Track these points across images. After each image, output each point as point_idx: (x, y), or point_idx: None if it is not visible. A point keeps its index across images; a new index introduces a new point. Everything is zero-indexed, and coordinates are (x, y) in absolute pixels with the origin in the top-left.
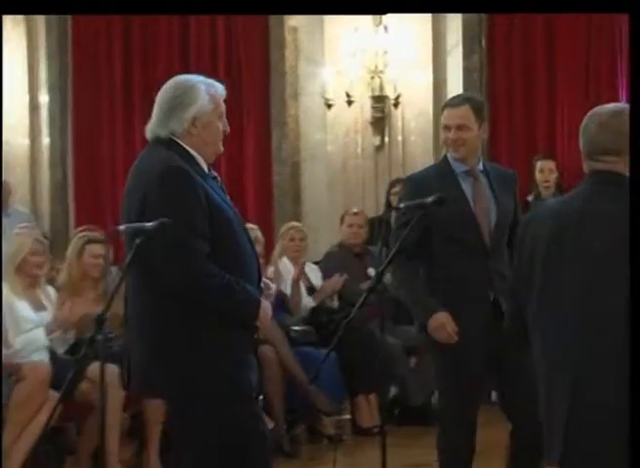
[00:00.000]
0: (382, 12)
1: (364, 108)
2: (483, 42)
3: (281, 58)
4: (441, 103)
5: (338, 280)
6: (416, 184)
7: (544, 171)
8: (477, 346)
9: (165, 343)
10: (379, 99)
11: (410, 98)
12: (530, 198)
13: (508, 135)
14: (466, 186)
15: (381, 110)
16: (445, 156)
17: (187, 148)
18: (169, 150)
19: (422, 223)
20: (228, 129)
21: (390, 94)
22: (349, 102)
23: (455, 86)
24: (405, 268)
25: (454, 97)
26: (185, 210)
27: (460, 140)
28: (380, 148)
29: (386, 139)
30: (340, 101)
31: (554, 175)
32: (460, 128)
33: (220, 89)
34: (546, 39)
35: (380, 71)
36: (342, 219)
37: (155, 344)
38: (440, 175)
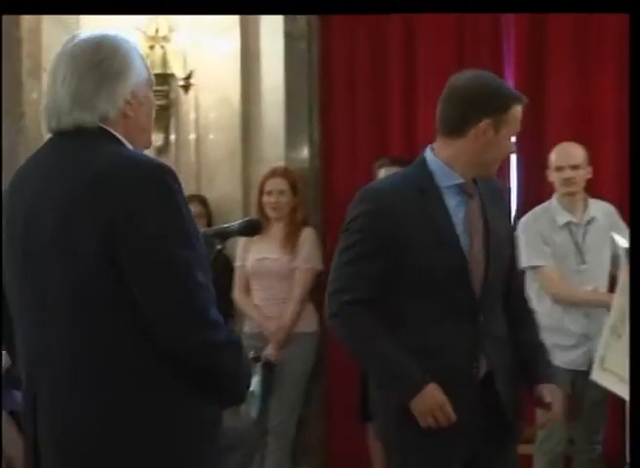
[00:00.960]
0: (385, 11)
1: None
2: None
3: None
4: (253, 85)
5: None
6: (382, 201)
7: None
8: (459, 444)
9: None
10: (161, 79)
11: (207, 78)
12: None
13: (348, 126)
14: (457, 209)
15: (165, 95)
16: (424, 159)
17: (121, 139)
18: (108, 143)
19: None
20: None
21: (178, 71)
22: None
23: (272, 59)
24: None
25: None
26: (189, 225)
27: None
28: (162, 150)
29: (172, 137)
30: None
31: None
32: None
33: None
34: None
35: (164, 38)
36: None
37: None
38: (416, 189)
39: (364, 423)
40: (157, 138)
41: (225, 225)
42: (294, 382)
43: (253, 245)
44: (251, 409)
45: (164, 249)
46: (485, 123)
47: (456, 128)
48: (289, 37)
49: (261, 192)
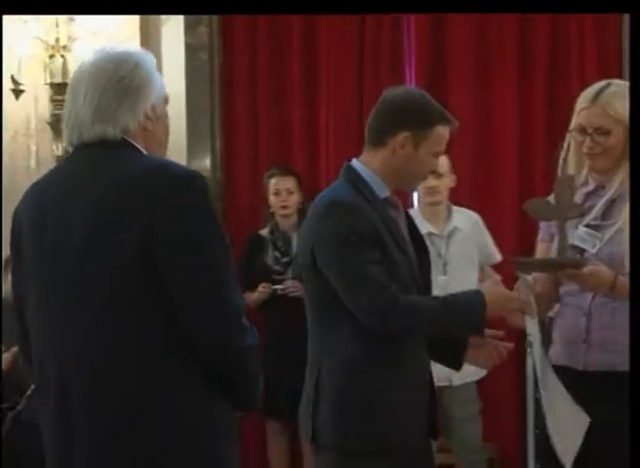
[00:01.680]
0: (386, 11)
1: (40, 101)
2: None
3: None
4: None
5: None
6: (353, 211)
7: (280, 192)
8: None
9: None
10: (61, 89)
11: None
12: (264, 232)
13: (250, 137)
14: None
15: None
16: (354, 170)
17: (142, 151)
18: (133, 152)
19: None
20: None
21: None
22: (17, 92)
23: (173, 70)
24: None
25: None
26: (222, 230)
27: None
28: (62, 160)
29: None
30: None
31: (295, 198)
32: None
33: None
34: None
35: (64, 47)
36: None
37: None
38: (365, 200)
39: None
40: (56, 148)
41: None
42: None
43: None
44: None
45: (202, 253)
46: (403, 136)
47: (377, 137)
48: (190, 48)
49: None
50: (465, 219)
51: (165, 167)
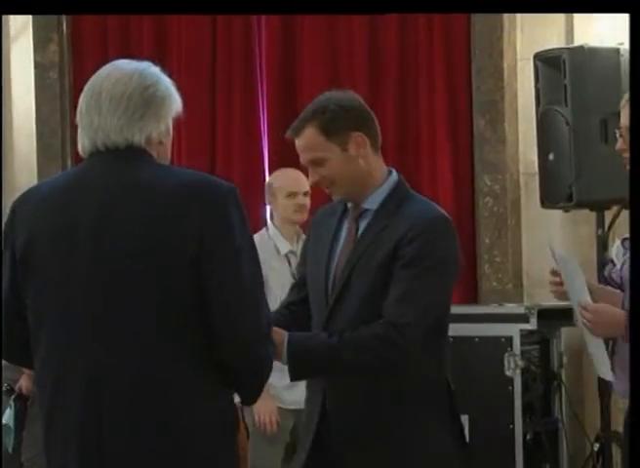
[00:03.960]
0: (385, 10)
1: None
2: (65, 25)
3: None
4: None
5: None
6: (313, 224)
7: None
8: None
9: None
10: None
11: None
12: None
13: None
14: (343, 234)
15: None
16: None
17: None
18: (160, 163)
19: None
20: None
21: None
22: None
23: (23, 88)
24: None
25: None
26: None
27: (324, 181)
28: None
29: None
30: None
31: None
32: (315, 162)
33: None
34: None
35: None
36: None
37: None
38: (331, 212)
39: None
40: None
41: None
42: None
43: None
44: (7, 444)
45: (242, 264)
46: None
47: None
48: (39, 67)
49: None
50: None
51: (208, 180)
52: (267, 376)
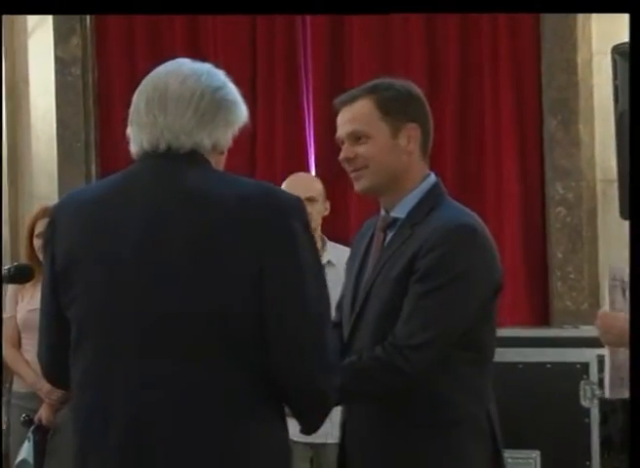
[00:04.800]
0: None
1: None
2: (88, 18)
3: None
4: (17, 119)
5: None
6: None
7: None
8: None
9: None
10: None
11: None
12: None
13: (131, 161)
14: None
15: None
16: None
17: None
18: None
19: None
20: None
21: None
22: None
23: (41, 87)
24: None
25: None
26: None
27: (357, 161)
28: None
29: None
30: None
31: None
32: (357, 137)
33: None
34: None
35: None
36: None
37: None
38: (370, 225)
39: None
40: None
41: None
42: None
43: (24, 293)
44: None
45: (304, 288)
46: None
47: None
48: (60, 62)
49: (31, 234)
50: (342, 256)
51: (273, 192)
52: (330, 408)
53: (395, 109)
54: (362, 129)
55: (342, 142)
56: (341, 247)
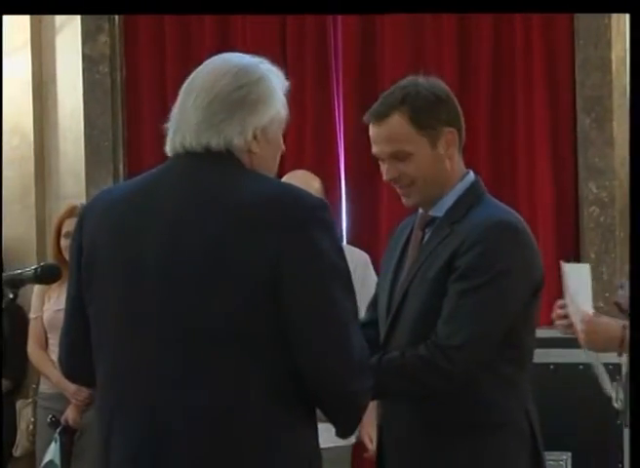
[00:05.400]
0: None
1: None
2: (117, 16)
3: None
4: (48, 112)
5: None
6: (391, 238)
7: None
8: None
9: None
10: None
11: None
12: None
13: (160, 160)
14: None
15: None
16: None
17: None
18: (245, 170)
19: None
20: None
21: None
22: None
23: (69, 85)
24: None
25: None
26: (347, 267)
27: (403, 179)
28: None
29: None
30: None
31: None
32: (398, 156)
33: (286, 84)
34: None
35: None
36: None
37: None
38: (407, 224)
39: None
40: None
41: (19, 271)
42: None
43: (50, 294)
44: None
45: (328, 292)
46: None
47: None
48: (88, 60)
49: (59, 234)
50: (351, 258)
51: (293, 192)
52: (363, 410)
53: (429, 119)
54: (402, 149)
55: (382, 159)
56: (355, 249)
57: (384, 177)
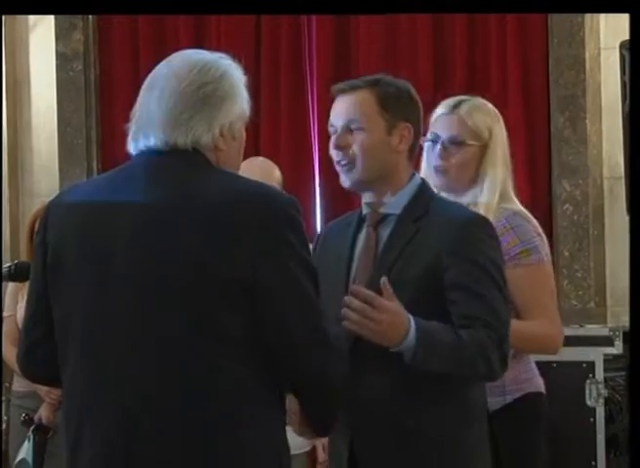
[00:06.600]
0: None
1: None
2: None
3: None
4: (18, 115)
5: None
6: (323, 238)
7: None
8: None
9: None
10: None
11: None
12: None
13: None
14: (360, 245)
15: None
16: None
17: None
18: (214, 168)
19: None
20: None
21: None
22: None
23: (43, 82)
24: None
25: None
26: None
27: (347, 151)
28: None
29: None
30: None
31: None
32: (351, 129)
33: (244, 78)
34: None
35: None
36: None
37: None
38: (346, 224)
39: None
40: None
41: None
42: None
43: (24, 292)
44: None
45: (298, 286)
46: None
47: None
48: (62, 57)
49: (32, 232)
50: None
51: (262, 193)
52: (340, 399)
53: (394, 107)
54: (359, 119)
55: (335, 131)
56: None
57: (331, 144)
